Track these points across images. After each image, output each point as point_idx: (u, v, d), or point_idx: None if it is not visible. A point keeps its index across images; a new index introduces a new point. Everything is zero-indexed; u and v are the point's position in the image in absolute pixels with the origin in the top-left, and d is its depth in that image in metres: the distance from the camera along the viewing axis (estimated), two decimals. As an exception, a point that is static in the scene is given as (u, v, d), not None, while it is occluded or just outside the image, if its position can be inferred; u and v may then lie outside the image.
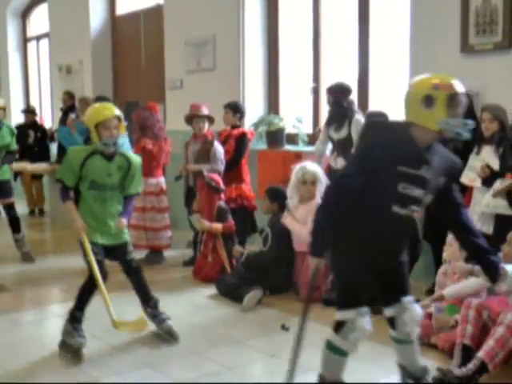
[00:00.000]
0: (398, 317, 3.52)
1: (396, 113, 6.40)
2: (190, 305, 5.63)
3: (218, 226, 6.28)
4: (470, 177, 5.05)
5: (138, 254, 7.22)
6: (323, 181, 5.63)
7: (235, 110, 6.85)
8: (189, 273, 6.51)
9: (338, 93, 6.21)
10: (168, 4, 9.03)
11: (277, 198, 6.03)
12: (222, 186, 6.37)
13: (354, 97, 6.47)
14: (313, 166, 5.78)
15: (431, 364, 4.25)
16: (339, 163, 6.24)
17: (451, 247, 4.56)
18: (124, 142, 7.36)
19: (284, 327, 4.92)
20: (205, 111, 6.72)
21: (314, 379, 4.06)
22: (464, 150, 5.27)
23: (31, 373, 4.18)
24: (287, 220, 5.72)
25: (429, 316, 4.63)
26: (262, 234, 6.05)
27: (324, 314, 5.23)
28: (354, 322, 3.37)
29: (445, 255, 4.67)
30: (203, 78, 8.41)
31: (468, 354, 3.97)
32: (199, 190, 6.41)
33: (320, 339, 4.69)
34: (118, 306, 5.56)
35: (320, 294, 5.53)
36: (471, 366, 3.82)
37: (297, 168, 5.77)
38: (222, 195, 6.43)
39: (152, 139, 6.85)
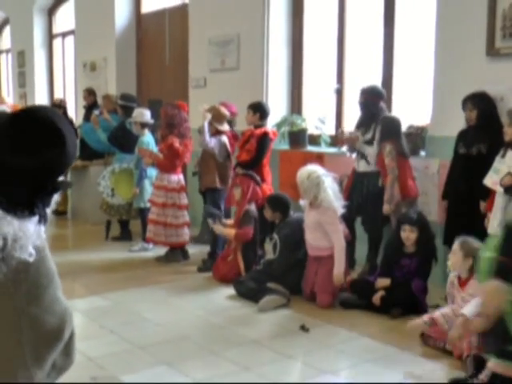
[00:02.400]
0: None
1: (419, 115, 6.40)
2: (208, 304, 5.62)
3: (230, 231, 6.28)
4: (493, 179, 5.00)
5: (156, 251, 7.29)
6: (313, 184, 5.54)
7: (255, 109, 6.83)
8: (208, 272, 6.51)
9: (369, 95, 6.19)
10: (193, 3, 9.04)
11: (278, 207, 5.97)
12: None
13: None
14: (302, 171, 5.71)
15: (446, 370, 4.22)
16: (361, 166, 6.21)
17: (455, 256, 4.52)
18: (149, 139, 7.44)
19: (304, 328, 4.89)
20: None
21: (330, 382, 4.05)
22: (488, 152, 5.21)
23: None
24: None
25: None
26: (271, 240, 6.00)
27: (342, 317, 5.23)
28: None
29: (449, 264, 4.62)
30: (227, 77, 8.41)
31: (480, 362, 3.91)
32: (234, 184, 6.45)
33: (337, 342, 4.70)
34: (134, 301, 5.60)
35: (336, 297, 5.51)
36: (483, 376, 3.76)
37: None
38: (259, 191, 6.42)
39: (178, 137, 6.87)
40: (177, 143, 6.81)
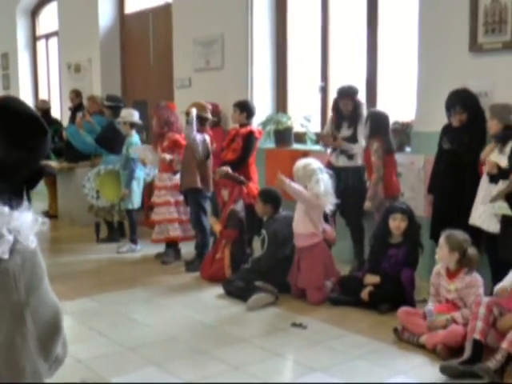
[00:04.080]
0: None
1: (403, 112, 6.42)
2: (197, 304, 5.62)
3: (218, 227, 6.34)
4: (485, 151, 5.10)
5: (143, 252, 7.29)
6: (307, 175, 5.61)
7: (242, 108, 6.84)
8: (196, 272, 6.51)
9: (351, 95, 6.22)
10: (176, 3, 9.02)
11: (269, 200, 6.00)
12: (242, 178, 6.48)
13: (362, 96, 6.47)
14: (301, 160, 5.81)
15: (420, 363, 4.25)
16: (341, 161, 6.24)
17: (441, 250, 4.57)
18: (137, 140, 7.47)
19: (301, 325, 4.91)
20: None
21: (320, 379, 4.06)
22: (472, 146, 5.25)
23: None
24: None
25: (420, 315, 4.62)
26: (260, 237, 6.03)
27: (331, 314, 5.25)
28: None
29: (436, 256, 4.69)
30: (211, 77, 8.41)
31: (479, 348, 4.01)
32: (221, 185, 6.47)
33: (327, 339, 4.71)
34: (128, 302, 5.59)
35: (326, 294, 5.53)
36: (499, 357, 3.87)
37: None
38: (245, 189, 6.45)
39: (178, 133, 6.95)
40: (181, 138, 6.86)
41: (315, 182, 5.56)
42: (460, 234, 4.56)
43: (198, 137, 6.60)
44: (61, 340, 1.76)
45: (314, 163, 5.71)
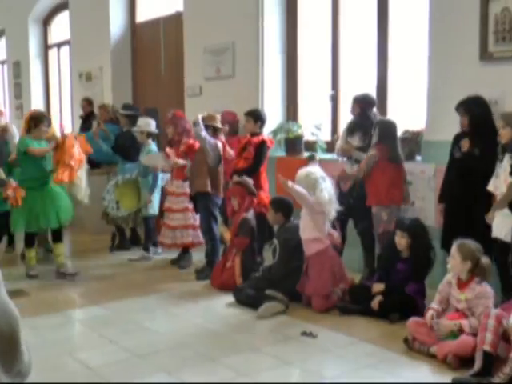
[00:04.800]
0: None
1: (414, 120, 6.42)
2: (207, 312, 5.63)
3: (228, 235, 6.37)
4: (495, 183, 5.02)
5: (155, 260, 7.29)
6: (310, 184, 5.61)
7: (256, 118, 6.83)
8: (207, 280, 6.52)
9: (364, 103, 6.23)
10: (188, 11, 9.07)
11: (280, 208, 6.00)
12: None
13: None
14: (302, 169, 5.80)
15: (430, 373, 4.24)
16: (355, 169, 6.25)
17: (453, 259, 4.55)
18: (155, 148, 7.51)
19: (311, 334, 4.90)
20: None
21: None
22: (482, 156, 5.23)
23: (47, 377, 4.20)
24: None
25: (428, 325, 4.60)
26: (271, 246, 6.03)
27: (340, 323, 5.24)
28: None
29: (448, 266, 4.67)
30: (222, 85, 8.44)
31: (489, 359, 3.99)
32: (231, 194, 6.48)
33: (336, 347, 4.70)
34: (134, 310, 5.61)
35: (334, 302, 5.52)
36: (508, 370, 3.85)
37: None
38: (255, 200, 6.46)
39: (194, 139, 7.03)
40: (195, 144, 6.90)
41: (320, 191, 5.57)
42: (472, 243, 4.54)
43: (210, 140, 6.61)
44: (22, 351, 1.71)
45: (316, 172, 5.70)
